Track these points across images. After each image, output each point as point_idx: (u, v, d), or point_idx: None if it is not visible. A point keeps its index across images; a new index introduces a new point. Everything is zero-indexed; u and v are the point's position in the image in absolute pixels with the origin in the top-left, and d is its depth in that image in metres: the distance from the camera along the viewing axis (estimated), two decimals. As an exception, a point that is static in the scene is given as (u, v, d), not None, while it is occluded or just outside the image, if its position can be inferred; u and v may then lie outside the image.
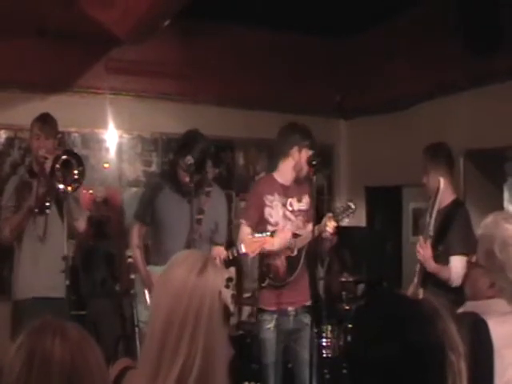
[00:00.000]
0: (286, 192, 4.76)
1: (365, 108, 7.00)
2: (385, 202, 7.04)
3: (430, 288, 4.51)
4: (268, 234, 4.37)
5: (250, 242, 4.31)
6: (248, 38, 6.48)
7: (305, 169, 4.68)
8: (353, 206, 4.62)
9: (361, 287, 6.55)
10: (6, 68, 5.50)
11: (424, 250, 4.45)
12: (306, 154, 4.68)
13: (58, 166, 4.45)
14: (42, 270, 4.67)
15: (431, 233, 4.45)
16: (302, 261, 4.67)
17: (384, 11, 5.88)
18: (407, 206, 6.96)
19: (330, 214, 4.58)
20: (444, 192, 4.65)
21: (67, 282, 4.48)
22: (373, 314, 1.58)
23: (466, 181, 5.79)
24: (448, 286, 4.46)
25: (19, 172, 5.06)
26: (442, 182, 4.38)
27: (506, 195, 6.37)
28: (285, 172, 4.79)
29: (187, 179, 4.35)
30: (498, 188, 6.21)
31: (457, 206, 4.64)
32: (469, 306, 2.43)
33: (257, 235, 4.36)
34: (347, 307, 6.00)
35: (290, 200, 4.76)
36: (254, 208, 4.79)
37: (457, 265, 4.32)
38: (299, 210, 4.72)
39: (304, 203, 4.79)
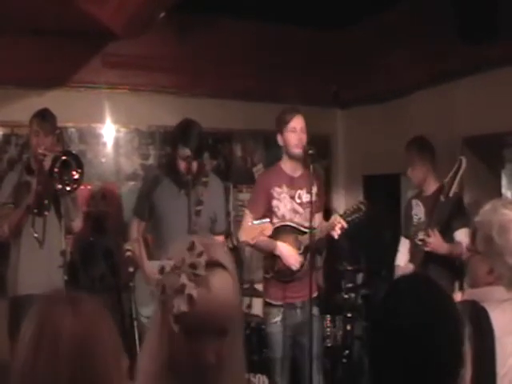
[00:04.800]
0: (295, 183, 4.72)
1: (361, 97, 7.00)
2: (383, 191, 7.03)
3: (429, 269, 4.70)
4: (267, 220, 4.37)
5: (249, 230, 4.31)
6: (244, 30, 6.44)
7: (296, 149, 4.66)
8: (363, 208, 4.60)
9: (360, 276, 6.56)
10: (1, 64, 5.47)
11: (435, 238, 4.62)
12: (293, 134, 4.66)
13: (56, 167, 4.45)
14: (40, 267, 4.67)
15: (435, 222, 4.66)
16: (307, 257, 4.64)
17: (379, 0, 5.87)
18: (405, 194, 6.96)
19: (340, 214, 4.61)
20: (429, 182, 4.87)
21: (65, 278, 4.50)
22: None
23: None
24: (447, 272, 4.63)
25: (16, 169, 5.06)
26: (464, 161, 4.55)
27: (503, 181, 6.37)
28: (288, 162, 4.77)
29: (186, 167, 4.36)
30: (497, 174, 6.20)
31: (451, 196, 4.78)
32: (468, 295, 2.44)
33: (255, 222, 4.35)
34: (346, 296, 6.01)
35: (298, 192, 4.72)
36: (260, 200, 4.76)
37: (462, 237, 4.55)
38: (308, 202, 4.61)
39: (313, 195, 4.69)
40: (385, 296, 1.79)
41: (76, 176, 4.55)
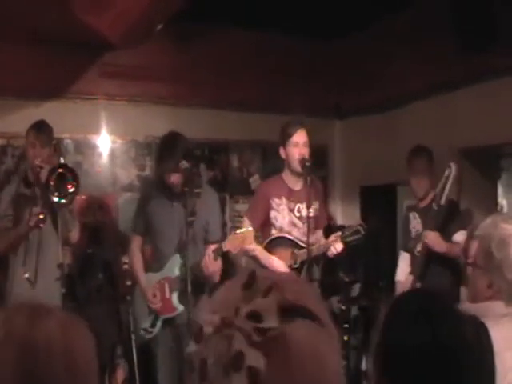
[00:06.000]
0: (294, 197, 4.70)
1: (359, 107, 7.00)
2: (380, 201, 7.03)
3: (429, 278, 4.75)
4: (250, 229, 4.31)
5: (232, 239, 4.25)
6: (242, 40, 6.45)
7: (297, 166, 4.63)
8: (362, 231, 4.59)
9: (357, 287, 6.54)
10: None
11: (432, 236, 4.65)
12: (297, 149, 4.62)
13: (52, 179, 4.45)
14: (38, 279, 4.66)
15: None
16: (303, 272, 4.63)
17: (378, 11, 5.87)
18: (402, 205, 6.95)
19: (338, 234, 4.57)
20: (427, 192, 4.86)
21: (63, 290, 4.48)
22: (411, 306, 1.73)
23: (461, 178, 5.79)
24: (446, 274, 4.76)
25: (13, 181, 5.06)
26: (454, 167, 4.57)
27: (500, 191, 6.38)
28: (290, 175, 4.75)
29: (174, 179, 4.36)
30: (493, 184, 6.21)
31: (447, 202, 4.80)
32: (467, 310, 2.43)
33: (238, 231, 4.29)
34: (343, 307, 5.99)
35: (298, 205, 4.70)
36: (259, 209, 4.75)
37: (462, 238, 4.57)
38: (308, 217, 4.58)
39: (313, 209, 4.70)
40: (389, 317, 1.77)
41: (71, 189, 4.55)
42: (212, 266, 4.27)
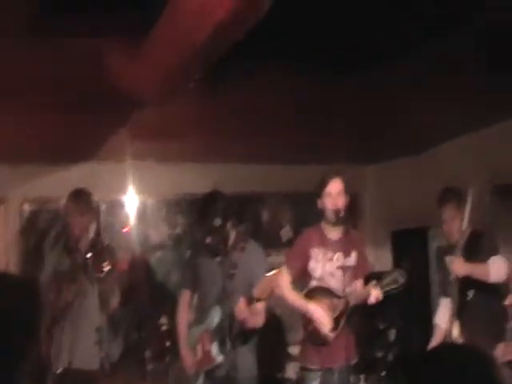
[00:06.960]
0: (332, 246, 4.68)
1: (388, 152, 6.99)
2: (412, 245, 6.99)
3: (468, 312, 4.65)
4: (277, 270, 4.24)
5: (260, 285, 4.19)
6: (267, 92, 6.43)
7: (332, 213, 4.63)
8: (401, 281, 4.57)
9: (392, 333, 6.47)
10: (28, 141, 5.47)
11: (457, 262, 4.58)
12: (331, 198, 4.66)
13: (91, 257, 4.50)
14: (77, 345, 4.66)
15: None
16: (343, 321, 4.58)
17: (407, 49, 5.82)
18: (433, 246, 6.91)
19: (375, 283, 4.54)
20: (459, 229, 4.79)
21: (102, 354, 4.48)
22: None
23: (492, 216, 5.75)
24: (487, 306, 4.63)
25: (56, 248, 5.06)
26: (471, 193, 4.53)
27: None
28: (327, 225, 4.74)
29: (209, 240, 4.39)
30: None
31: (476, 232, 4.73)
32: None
33: (267, 274, 4.20)
34: (380, 355, 5.92)
35: (336, 255, 4.67)
36: (297, 258, 4.74)
37: (496, 261, 4.54)
38: (346, 266, 4.60)
39: (352, 259, 4.69)
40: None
41: (107, 268, 4.59)
42: (243, 313, 4.24)
